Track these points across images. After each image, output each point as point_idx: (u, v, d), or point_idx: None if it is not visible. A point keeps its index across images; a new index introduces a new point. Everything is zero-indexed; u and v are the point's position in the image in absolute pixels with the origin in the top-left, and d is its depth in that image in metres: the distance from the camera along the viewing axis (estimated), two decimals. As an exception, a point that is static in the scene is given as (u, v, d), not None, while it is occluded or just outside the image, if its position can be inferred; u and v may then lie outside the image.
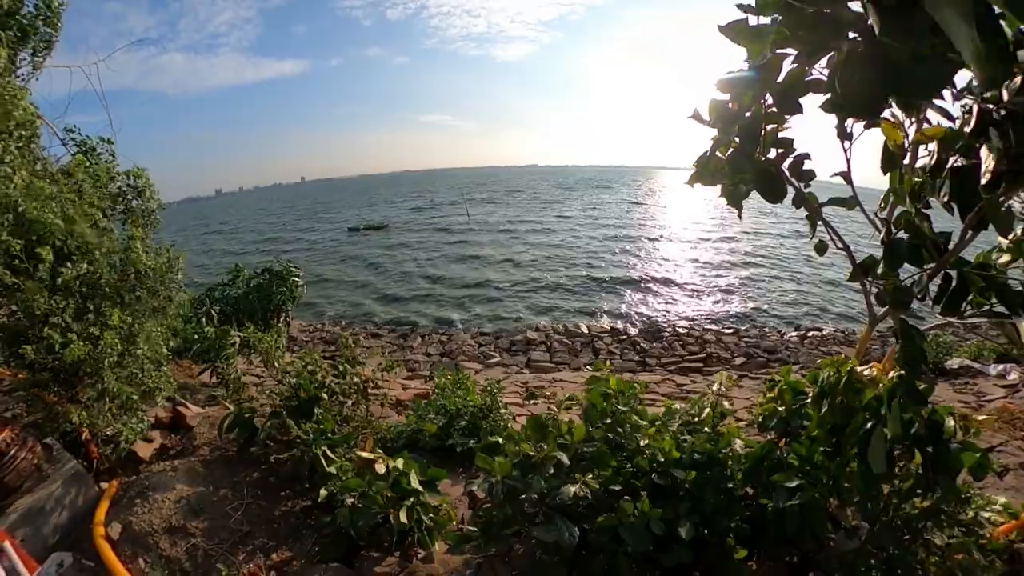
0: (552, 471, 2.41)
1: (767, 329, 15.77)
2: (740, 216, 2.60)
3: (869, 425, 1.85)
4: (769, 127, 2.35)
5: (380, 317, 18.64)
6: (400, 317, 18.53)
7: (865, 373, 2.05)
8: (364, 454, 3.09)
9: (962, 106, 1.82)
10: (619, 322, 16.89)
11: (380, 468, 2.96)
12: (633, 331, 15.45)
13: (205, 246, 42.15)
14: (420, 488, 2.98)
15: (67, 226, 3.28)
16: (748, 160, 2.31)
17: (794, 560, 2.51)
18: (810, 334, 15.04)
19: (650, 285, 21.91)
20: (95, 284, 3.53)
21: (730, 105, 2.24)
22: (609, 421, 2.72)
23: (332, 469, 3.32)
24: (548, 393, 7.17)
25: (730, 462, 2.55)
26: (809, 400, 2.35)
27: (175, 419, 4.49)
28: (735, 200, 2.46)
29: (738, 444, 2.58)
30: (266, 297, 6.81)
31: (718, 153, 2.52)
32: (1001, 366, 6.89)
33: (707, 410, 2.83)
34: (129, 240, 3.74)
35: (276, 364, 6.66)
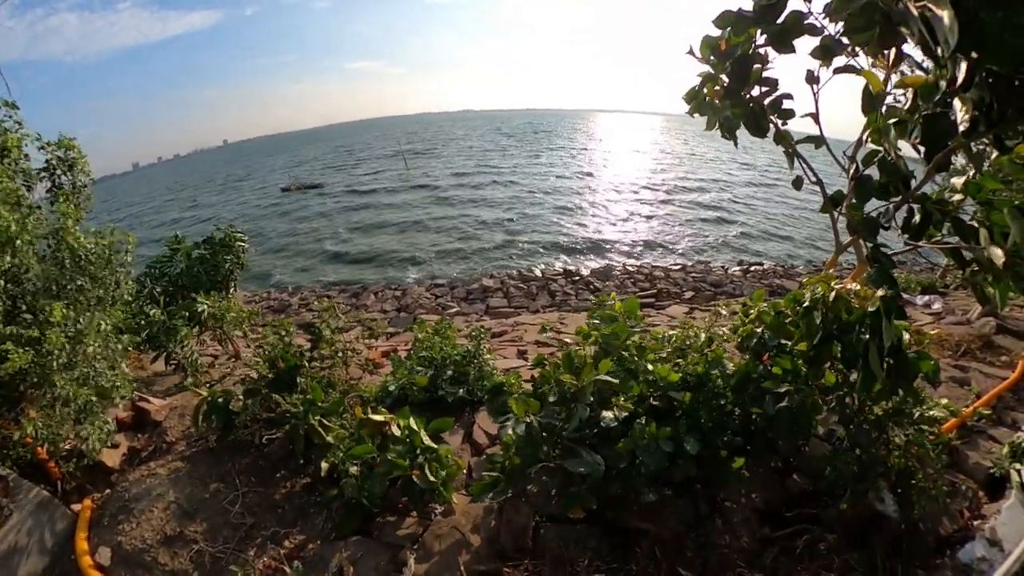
0: (592, 400, 2.52)
1: (712, 265, 16.83)
2: (736, 145, 2.74)
3: (866, 336, 2.06)
4: (755, 67, 2.42)
5: (328, 278, 17.92)
6: (349, 276, 17.93)
7: (851, 289, 2.27)
8: (375, 416, 3.04)
9: (940, 65, 1.94)
10: (571, 264, 17.33)
11: (395, 429, 2.95)
12: (585, 272, 15.95)
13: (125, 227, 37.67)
14: (433, 444, 3.01)
15: None
16: (737, 96, 2.40)
17: (778, 465, 2.86)
18: (752, 268, 16.27)
19: (598, 227, 22.48)
20: (22, 280, 3.08)
21: (721, 44, 2.26)
22: (618, 347, 2.86)
23: (330, 438, 3.26)
24: (560, 328, 7.34)
25: (720, 381, 2.80)
26: (790, 319, 2.58)
27: (138, 416, 4.10)
28: (729, 129, 2.60)
29: (729, 365, 2.81)
30: (213, 268, 6.28)
31: (705, 90, 2.60)
32: (927, 297, 7.78)
33: (703, 335, 3.04)
34: (60, 220, 3.25)
35: (242, 344, 6.28)
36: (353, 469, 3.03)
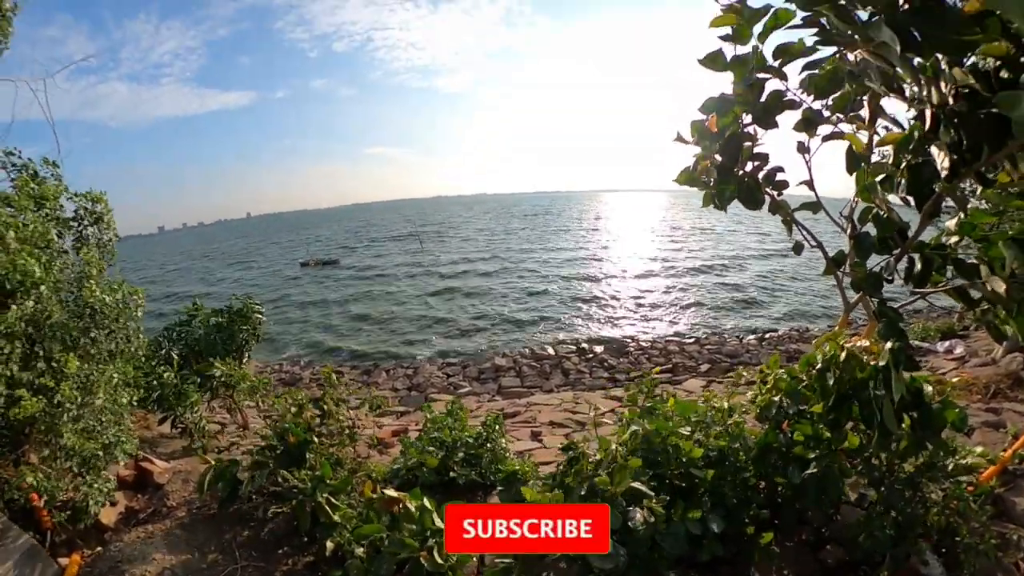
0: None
1: (726, 335, 16.62)
2: (725, 211, 2.86)
3: (880, 392, 2.02)
4: (745, 144, 2.62)
5: (340, 354, 17.94)
6: (361, 352, 17.91)
7: (860, 345, 2.25)
8: (389, 492, 2.94)
9: (912, 117, 2.12)
10: (584, 342, 17.16)
11: (411, 506, 2.84)
12: (599, 349, 15.73)
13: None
14: (443, 526, 2.87)
15: (7, 258, 2.97)
16: (730, 173, 2.57)
17: (809, 536, 2.65)
18: (767, 336, 16.02)
19: (609, 305, 22.60)
20: (43, 325, 3.17)
21: (709, 125, 2.48)
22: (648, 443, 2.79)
23: (337, 517, 3.14)
24: (588, 412, 7.13)
25: (741, 454, 2.68)
26: (806, 383, 2.53)
27: (140, 477, 4.05)
28: (721, 203, 2.74)
29: (750, 439, 2.71)
30: (229, 337, 6.41)
31: (699, 167, 2.79)
32: (947, 343, 7.52)
33: (725, 404, 2.96)
34: (84, 270, 3.42)
35: (250, 415, 6.24)
36: (359, 550, 2.90)
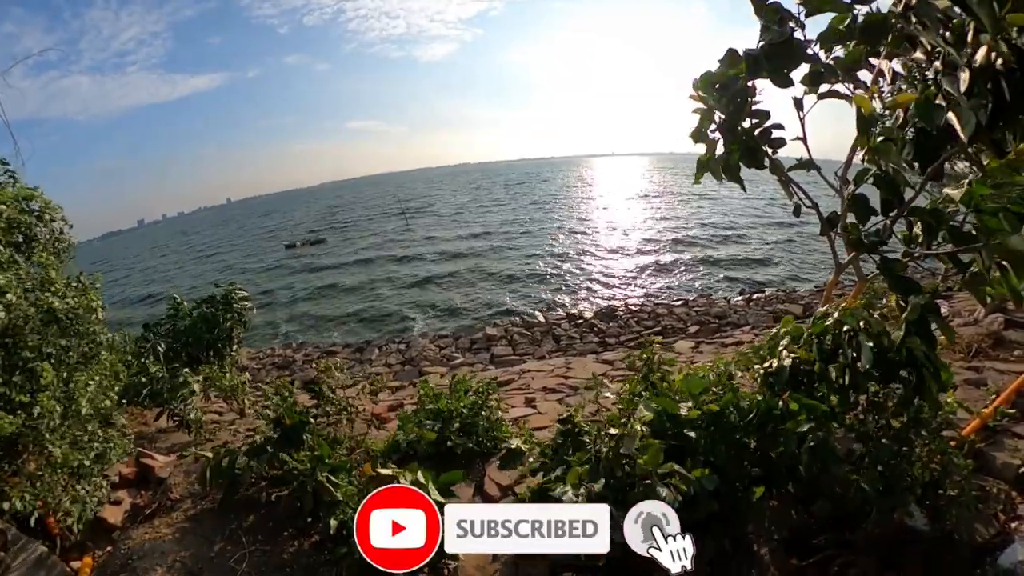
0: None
1: (714, 297, 16.83)
2: (744, 188, 2.77)
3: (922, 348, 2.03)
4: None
5: (332, 334, 17.88)
6: (353, 331, 17.87)
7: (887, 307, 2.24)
8: (383, 471, 2.96)
9: (931, 79, 2.04)
10: (574, 308, 17.27)
11: (405, 483, 2.86)
12: (588, 314, 15.85)
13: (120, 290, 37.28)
14: (442, 498, 2.91)
15: None
16: (734, 130, 2.49)
17: (800, 491, 2.74)
18: (754, 296, 16.22)
19: (598, 271, 22.65)
20: (19, 334, 2.99)
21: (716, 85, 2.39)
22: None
23: (339, 495, 3.17)
24: (582, 377, 7.19)
25: (733, 415, 2.72)
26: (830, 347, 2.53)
27: (142, 473, 4.05)
28: (730, 174, 2.65)
29: (744, 401, 2.74)
30: (214, 326, 6.31)
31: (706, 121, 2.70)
32: None
33: (723, 368, 2.98)
34: (43, 274, 3.20)
35: (247, 402, 6.19)
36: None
